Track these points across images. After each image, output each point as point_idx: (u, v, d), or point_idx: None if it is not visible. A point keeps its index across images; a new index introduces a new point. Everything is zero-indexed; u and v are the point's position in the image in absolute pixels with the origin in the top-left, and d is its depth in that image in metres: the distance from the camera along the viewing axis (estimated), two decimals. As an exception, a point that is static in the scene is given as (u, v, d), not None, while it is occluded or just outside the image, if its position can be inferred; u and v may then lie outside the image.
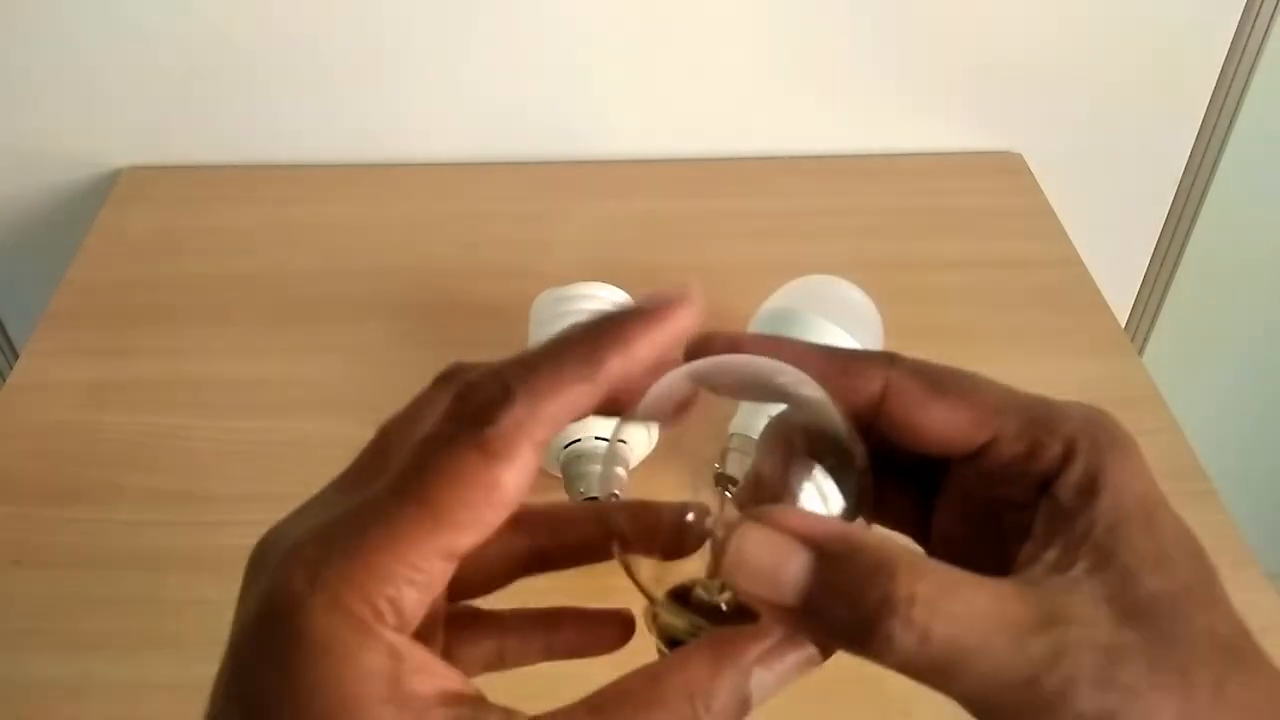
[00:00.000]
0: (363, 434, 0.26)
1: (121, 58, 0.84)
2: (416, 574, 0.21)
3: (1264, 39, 0.86)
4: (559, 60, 0.85)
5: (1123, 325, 0.84)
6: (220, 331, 0.73)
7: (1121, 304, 1.02)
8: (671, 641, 0.25)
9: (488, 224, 0.83)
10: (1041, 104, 0.89)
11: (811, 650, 0.24)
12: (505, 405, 0.21)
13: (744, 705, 0.22)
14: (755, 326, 0.64)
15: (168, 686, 0.45)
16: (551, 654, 0.28)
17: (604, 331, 0.23)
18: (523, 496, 0.22)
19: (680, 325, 0.23)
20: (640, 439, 0.59)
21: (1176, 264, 1.00)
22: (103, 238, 0.82)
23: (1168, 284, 1.01)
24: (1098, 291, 0.77)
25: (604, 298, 0.64)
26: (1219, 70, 0.88)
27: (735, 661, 0.22)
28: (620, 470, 0.56)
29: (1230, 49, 0.86)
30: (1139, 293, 1.02)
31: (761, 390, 0.26)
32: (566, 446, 0.57)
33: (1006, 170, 0.90)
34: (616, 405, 0.24)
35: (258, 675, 0.21)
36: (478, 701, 0.22)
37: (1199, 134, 0.91)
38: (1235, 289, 1.03)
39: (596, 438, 0.57)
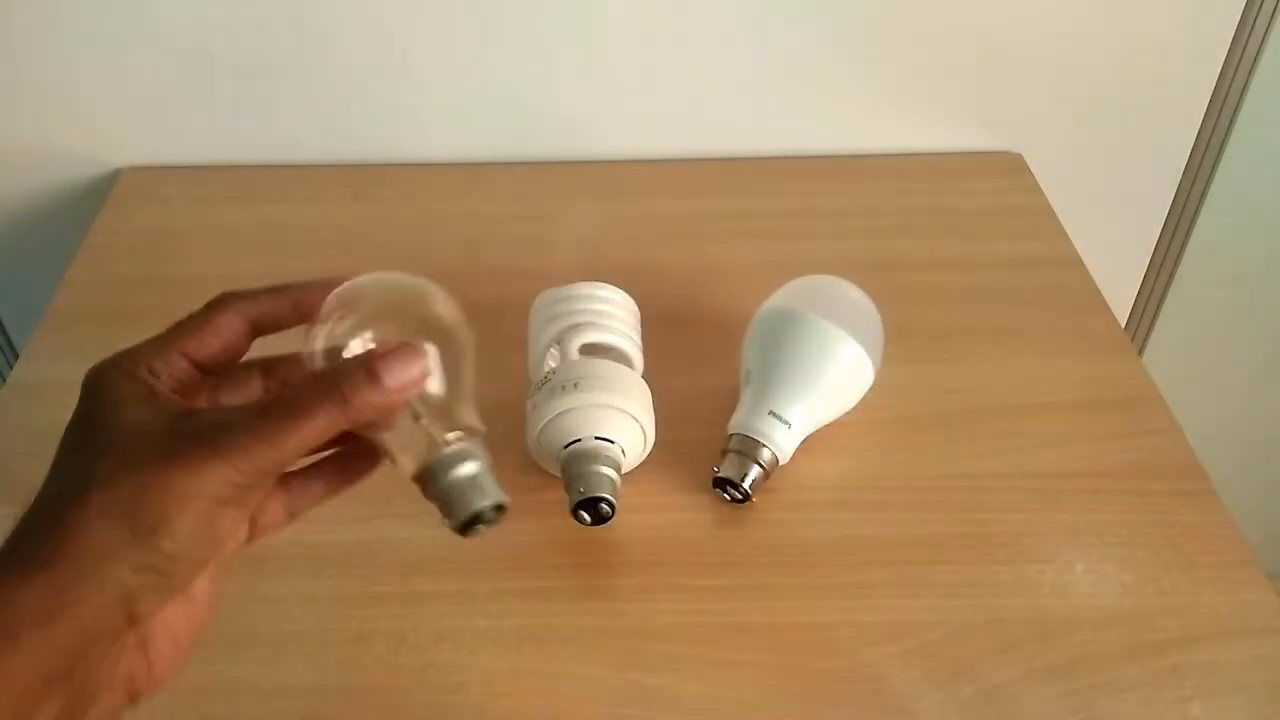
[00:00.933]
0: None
1: (122, 58, 0.84)
2: (165, 355, 0.39)
3: (1264, 39, 0.86)
4: (559, 60, 0.85)
5: (1123, 325, 0.84)
6: (220, 331, 0.73)
7: (1121, 304, 1.02)
8: None
9: (488, 224, 0.83)
10: (1041, 104, 0.89)
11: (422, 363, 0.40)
12: (229, 294, 0.41)
13: (375, 380, 0.38)
14: (755, 326, 0.64)
15: (167, 685, 0.45)
16: (326, 494, 0.42)
17: (287, 285, 0.43)
18: (230, 333, 0.41)
19: (303, 297, 0.42)
20: (635, 446, 0.59)
21: (1176, 264, 1.00)
22: (103, 238, 0.82)
23: (1168, 284, 1.01)
24: (1098, 291, 0.77)
25: (604, 297, 0.64)
26: (1219, 70, 0.88)
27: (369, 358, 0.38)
28: (612, 472, 0.56)
29: (1230, 49, 0.87)
30: (1139, 293, 1.02)
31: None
32: (566, 447, 0.57)
33: (1006, 170, 0.90)
34: (295, 318, 0.42)
35: (75, 412, 0.39)
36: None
37: (1199, 134, 0.91)
38: (1235, 289, 1.03)
39: (597, 438, 0.57)
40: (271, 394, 0.41)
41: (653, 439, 0.60)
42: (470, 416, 0.43)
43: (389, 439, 0.41)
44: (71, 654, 0.34)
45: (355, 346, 0.40)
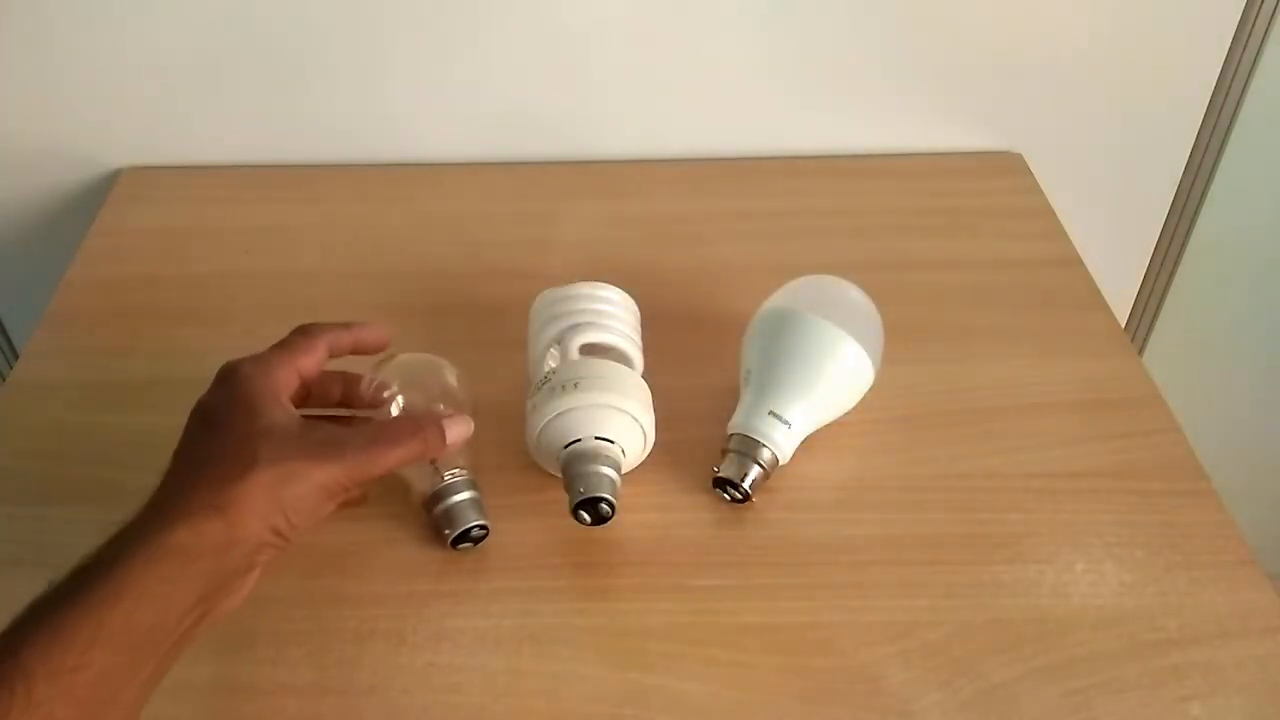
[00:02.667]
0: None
1: (121, 58, 0.84)
2: (287, 366, 0.52)
3: (1264, 39, 0.86)
4: (559, 60, 0.85)
5: (1123, 325, 0.84)
6: (220, 331, 0.73)
7: (1121, 304, 1.02)
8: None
9: (488, 224, 0.83)
10: (1041, 104, 0.89)
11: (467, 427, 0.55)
12: (314, 325, 0.55)
13: (443, 435, 0.53)
14: (755, 326, 0.64)
15: (167, 686, 0.45)
16: None
17: (350, 324, 0.57)
18: (321, 354, 0.54)
19: (362, 335, 0.57)
20: (635, 446, 0.59)
21: (1176, 264, 1.00)
22: (103, 238, 0.82)
23: (1168, 284, 1.01)
24: (1098, 291, 0.77)
25: (604, 297, 0.64)
26: (1219, 70, 0.88)
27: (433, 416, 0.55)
28: (612, 472, 0.56)
29: (1230, 49, 0.87)
30: (1139, 293, 1.02)
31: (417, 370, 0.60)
32: (566, 447, 0.57)
33: (1006, 170, 0.90)
34: (354, 350, 0.57)
35: (215, 394, 0.50)
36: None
37: (1199, 134, 0.91)
38: (1235, 289, 1.03)
39: (597, 438, 0.57)
40: (373, 426, 0.54)
41: (653, 439, 0.60)
42: (465, 459, 0.58)
43: (409, 471, 0.57)
44: (220, 580, 0.45)
45: (393, 408, 0.57)
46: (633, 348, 0.63)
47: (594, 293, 0.64)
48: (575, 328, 0.61)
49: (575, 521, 0.56)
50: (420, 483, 0.57)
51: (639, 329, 0.65)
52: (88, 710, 0.40)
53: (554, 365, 0.61)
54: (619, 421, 0.57)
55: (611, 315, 0.63)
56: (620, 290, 0.65)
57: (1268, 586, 0.57)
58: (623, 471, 0.58)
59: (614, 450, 0.57)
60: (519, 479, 0.61)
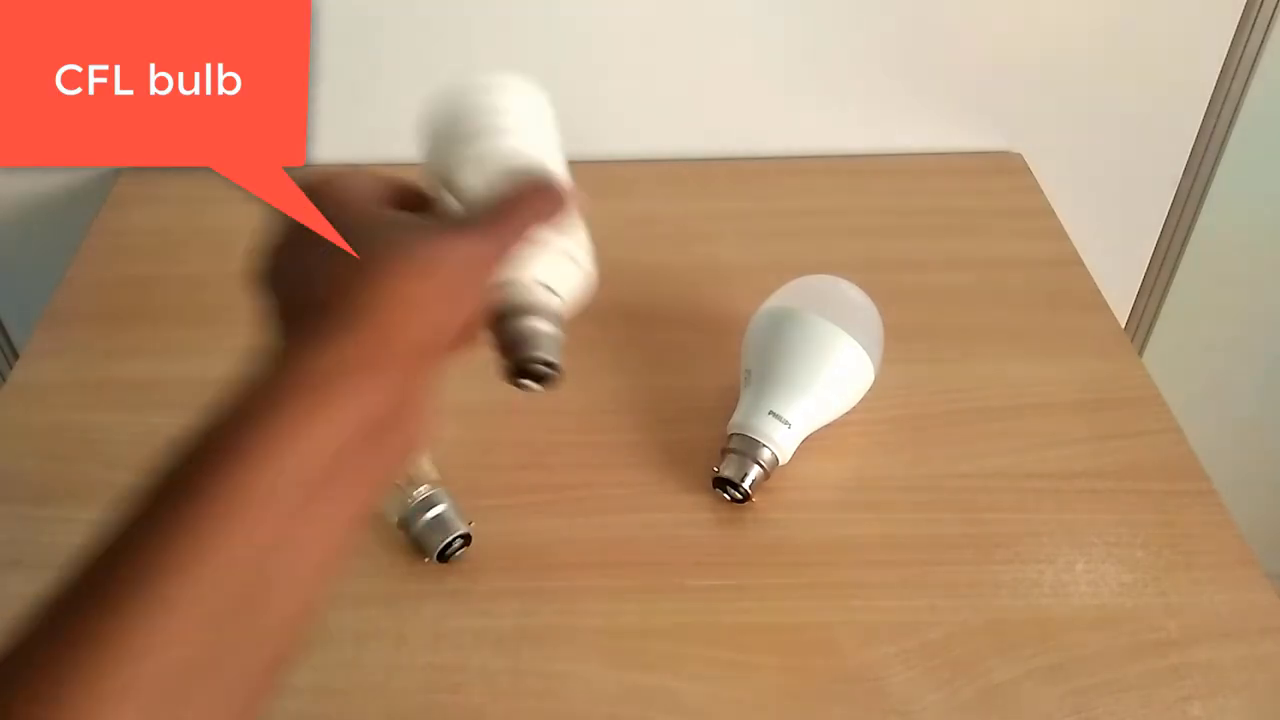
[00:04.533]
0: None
1: (121, 58, 0.84)
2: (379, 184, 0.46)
3: (1264, 39, 0.86)
4: (560, 61, 0.85)
5: (1123, 325, 0.84)
6: (220, 331, 0.73)
7: (1121, 304, 1.02)
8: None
9: (488, 224, 0.83)
10: (1041, 104, 0.89)
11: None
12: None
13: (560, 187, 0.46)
14: (755, 326, 0.64)
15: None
16: None
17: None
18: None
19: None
20: (569, 283, 0.48)
21: (1176, 264, 1.00)
22: (103, 238, 0.82)
23: (1168, 284, 1.01)
24: (1098, 291, 0.77)
25: (503, 108, 0.53)
26: (1219, 70, 0.88)
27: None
28: (551, 327, 0.45)
29: (1230, 49, 0.87)
30: (1139, 293, 1.02)
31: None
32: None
33: (1006, 170, 0.90)
34: None
35: (323, 206, 0.40)
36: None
37: (1199, 134, 0.91)
38: (1235, 289, 1.03)
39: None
40: (488, 200, 0.46)
41: (586, 279, 0.50)
42: (433, 472, 0.57)
43: None
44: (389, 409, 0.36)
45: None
46: (549, 159, 0.50)
47: (492, 102, 0.53)
48: (479, 158, 0.50)
49: (517, 389, 0.45)
50: (390, 510, 0.57)
51: (551, 127, 0.53)
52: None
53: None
54: (552, 263, 0.47)
55: (517, 129, 0.51)
56: (521, 87, 0.54)
57: (1268, 586, 0.57)
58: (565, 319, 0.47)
59: (550, 298, 0.47)
60: (518, 479, 0.61)
